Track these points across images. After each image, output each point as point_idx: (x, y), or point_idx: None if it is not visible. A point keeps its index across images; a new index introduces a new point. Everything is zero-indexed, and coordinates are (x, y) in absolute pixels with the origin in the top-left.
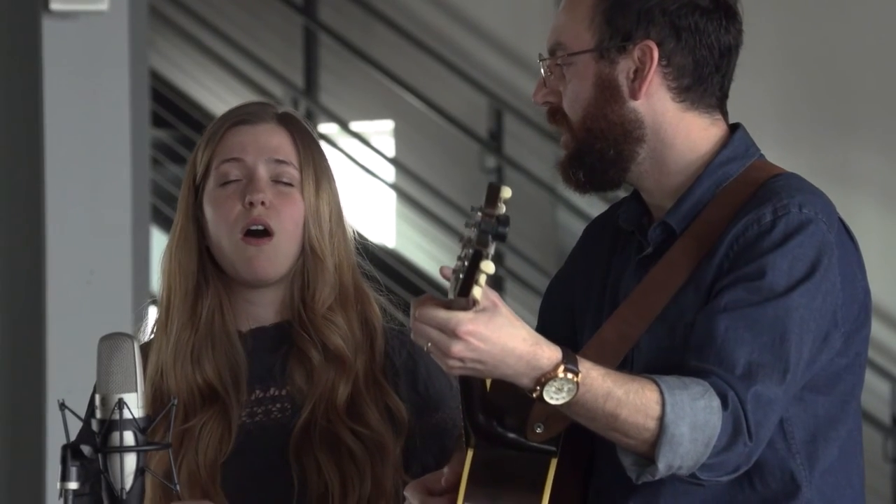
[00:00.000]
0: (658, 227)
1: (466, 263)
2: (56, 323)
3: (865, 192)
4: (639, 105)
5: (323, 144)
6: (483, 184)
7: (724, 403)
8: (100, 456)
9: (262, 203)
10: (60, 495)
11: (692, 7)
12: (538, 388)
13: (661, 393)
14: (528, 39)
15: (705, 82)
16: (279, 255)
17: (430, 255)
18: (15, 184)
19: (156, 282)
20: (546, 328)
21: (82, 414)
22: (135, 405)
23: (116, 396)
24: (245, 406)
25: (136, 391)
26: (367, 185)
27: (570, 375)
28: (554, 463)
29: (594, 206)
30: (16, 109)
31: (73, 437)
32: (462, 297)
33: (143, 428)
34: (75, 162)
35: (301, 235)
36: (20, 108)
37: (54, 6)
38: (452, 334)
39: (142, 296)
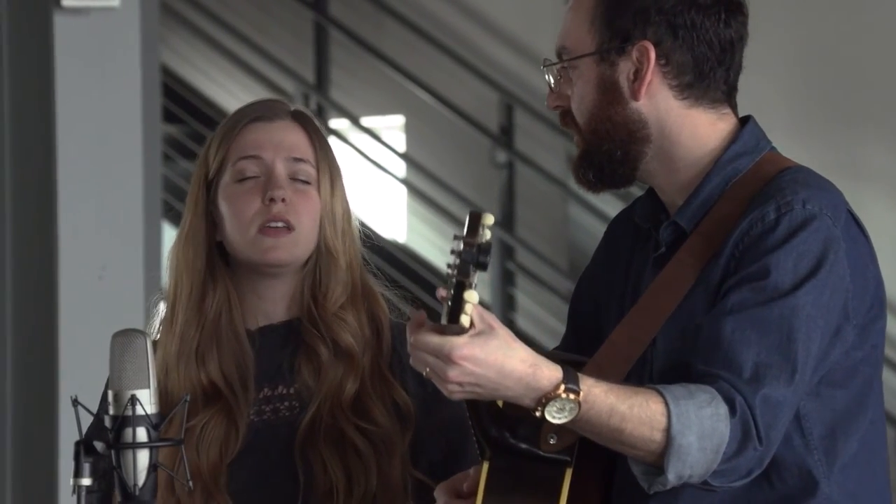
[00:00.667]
0: (668, 227)
1: (451, 292)
2: (68, 319)
3: (876, 186)
4: (641, 105)
5: (333, 140)
6: (494, 179)
7: (732, 409)
8: (112, 452)
9: (283, 200)
10: (73, 491)
11: (688, 4)
12: (540, 408)
13: (667, 404)
14: (539, 34)
15: (707, 78)
16: (297, 247)
17: (441, 249)
18: (27, 180)
19: (167, 277)
20: (577, 329)
21: (95, 410)
22: (147, 401)
23: (129, 393)
24: (253, 404)
25: (149, 387)
26: (378, 181)
27: (571, 395)
28: (569, 473)
29: (606, 201)
30: (27, 105)
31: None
32: (453, 325)
33: (156, 424)
34: (87, 157)
35: (317, 232)
36: (32, 103)
37: (66, 2)
38: (448, 360)
39: (154, 291)
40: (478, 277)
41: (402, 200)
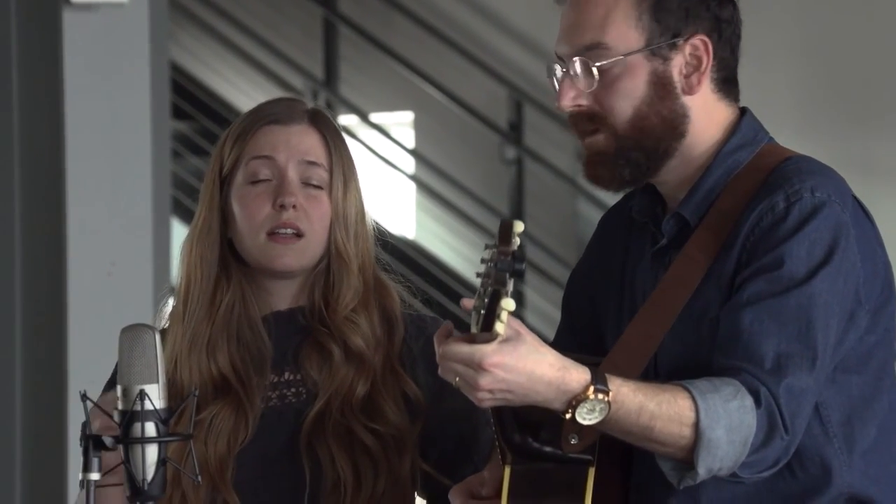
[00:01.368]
0: (671, 219)
1: (486, 300)
2: (77, 314)
3: (886, 181)
4: (689, 100)
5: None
6: (503, 175)
7: (757, 401)
8: (121, 447)
9: (294, 207)
10: (82, 486)
11: None
12: (570, 410)
13: (694, 399)
14: (548, 30)
15: (735, 72)
16: (306, 254)
17: (450, 246)
18: (36, 176)
19: (177, 273)
20: (572, 322)
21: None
22: (156, 396)
23: (138, 387)
24: (260, 391)
25: (158, 382)
26: (387, 177)
27: (600, 395)
28: (592, 471)
29: (614, 197)
30: (37, 102)
31: (94, 429)
32: (485, 332)
33: (165, 419)
34: (96, 154)
35: (327, 236)
36: (41, 100)
37: None
38: (479, 367)
39: (163, 287)
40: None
41: (412, 197)
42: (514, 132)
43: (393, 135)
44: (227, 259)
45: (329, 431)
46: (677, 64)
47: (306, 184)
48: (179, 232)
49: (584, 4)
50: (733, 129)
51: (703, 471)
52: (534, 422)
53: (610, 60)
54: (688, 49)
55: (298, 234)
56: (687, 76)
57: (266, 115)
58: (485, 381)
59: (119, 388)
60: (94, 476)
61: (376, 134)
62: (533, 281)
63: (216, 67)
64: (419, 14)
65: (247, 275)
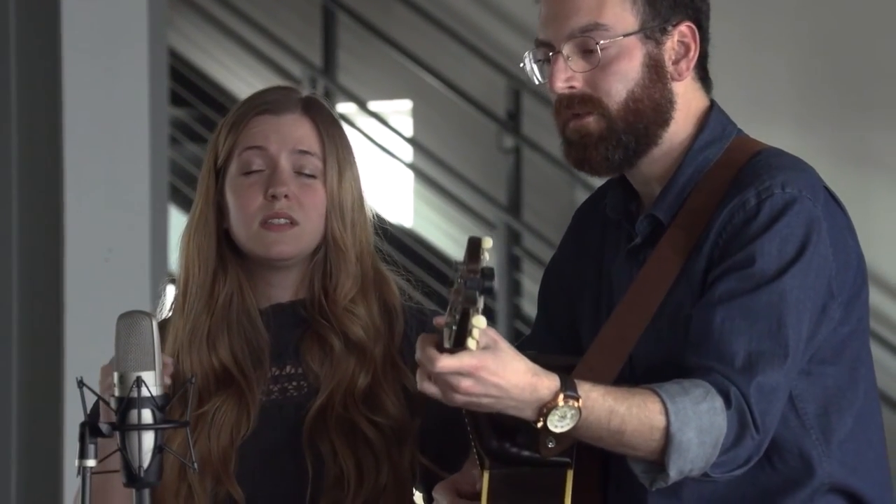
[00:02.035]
0: (645, 220)
1: (457, 317)
2: (74, 301)
3: (884, 170)
4: (676, 86)
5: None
6: (501, 164)
7: (727, 401)
8: (118, 434)
9: (286, 196)
10: (78, 473)
11: None
12: (542, 418)
13: (664, 403)
14: None
15: (707, 63)
16: (301, 241)
17: (448, 234)
18: (34, 162)
19: (174, 260)
20: (548, 318)
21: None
22: (153, 383)
23: (134, 374)
24: (261, 384)
25: (154, 369)
26: (385, 165)
27: (570, 402)
28: (570, 474)
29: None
30: (35, 89)
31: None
32: (458, 347)
33: (161, 406)
34: (94, 141)
35: (323, 224)
36: (40, 87)
37: None
38: (466, 373)
39: (160, 274)
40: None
41: (409, 185)
42: (512, 121)
43: (391, 123)
44: (224, 251)
45: (331, 425)
46: (668, 49)
47: (299, 173)
48: (177, 219)
49: None
50: (702, 125)
51: (674, 473)
52: (510, 427)
53: (608, 40)
54: (676, 35)
55: (292, 223)
56: (676, 62)
57: (258, 104)
58: (466, 383)
59: (116, 375)
60: (91, 463)
61: (374, 122)
62: (530, 270)
63: (215, 55)
64: (418, 2)
65: (244, 266)
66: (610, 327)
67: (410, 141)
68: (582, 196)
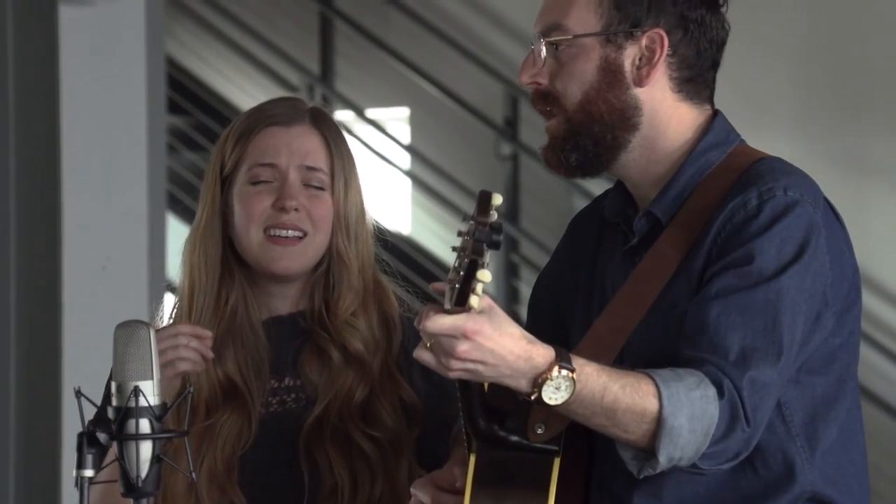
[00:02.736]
0: (643, 217)
1: (462, 273)
2: (72, 309)
3: (882, 175)
4: (640, 93)
5: None
6: (499, 171)
7: (720, 392)
8: (116, 443)
9: (296, 209)
10: (76, 483)
11: (699, 0)
12: (535, 389)
13: (657, 386)
14: None
15: (703, 75)
16: (306, 256)
17: (446, 241)
18: (31, 170)
19: (172, 269)
20: (537, 325)
21: (98, 401)
22: (150, 393)
23: (132, 384)
24: (260, 396)
25: (152, 379)
26: (383, 173)
27: (565, 373)
28: (557, 462)
29: None
30: (33, 96)
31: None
32: (459, 307)
33: (159, 415)
34: (92, 148)
35: (328, 235)
36: (37, 94)
37: None
38: (461, 335)
39: (157, 283)
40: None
41: (407, 192)
42: (509, 128)
43: (389, 130)
44: (229, 260)
45: (327, 437)
46: (631, 54)
47: (307, 185)
48: (175, 227)
49: None
50: (705, 130)
51: (663, 459)
52: (501, 409)
53: (562, 39)
54: (644, 41)
55: (300, 237)
56: (639, 68)
57: (267, 115)
58: (463, 347)
59: (114, 385)
60: (89, 473)
61: (372, 129)
62: (528, 277)
63: (212, 62)
64: (415, 10)
65: (248, 276)
66: (604, 319)
67: (408, 148)
68: (580, 203)
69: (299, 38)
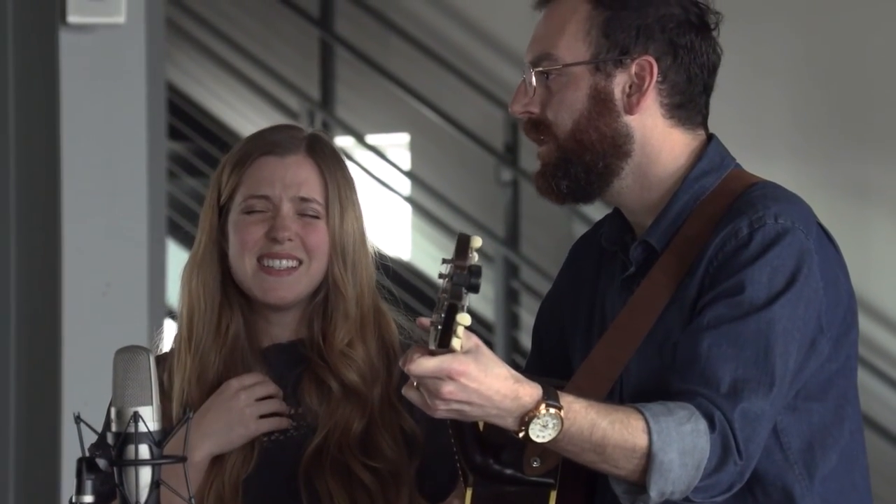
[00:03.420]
0: (639, 247)
1: (443, 316)
2: (72, 335)
3: (882, 204)
4: (631, 120)
5: None
6: (499, 197)
7: (711, 425)
8: (115, 469)
9: (290, 239)
10: None
11: (689, 25)
12: (523, 427)
13: (647, 421)
14: None
15: (695, 100)
16: (300, 285)
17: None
18: (32, 195)
19: (172, 295)
20: (541, 351)
21: (97, 427)
22: (150, 418)
23: (132, 409)
24: None
25: (152, 404)
26: (383, 198)
27: (553, 411)
28: (553, 495)
29: None
30: (33, 121)
31: (87, 451)
32: (442, 349)
33: (159, 441)
34: (92, 174)
35: (325, 263)
36: (38, 119)
37: (72, 19)
38: (445, 377)
39: (158, 309)
40: (469, 300)
41: (407, 218)
42: (510, 154)
43: (389, 156)
44: (228, 287)
45: (327, 467)
46: (620, 82)
47: (302, 214)
48: (175, 253)
49: (547, 17)
50: (699, 155)
51: (655, 493)
52: (496, 444)
53: (552, 68)
54: (634, 68)
55: (294, 266)
56: (629, 95)
57: (262, 144)
58: (448, 388)
59: (113, 410)
60: (88, 499)
61: (372, 155)
62: (528, 303)
63: (213, 88)
64: (415, 36)
65: (247, 304)
66: (600, 350)
67: (408, 174)
68: (580, 229)
69: (300, 64)
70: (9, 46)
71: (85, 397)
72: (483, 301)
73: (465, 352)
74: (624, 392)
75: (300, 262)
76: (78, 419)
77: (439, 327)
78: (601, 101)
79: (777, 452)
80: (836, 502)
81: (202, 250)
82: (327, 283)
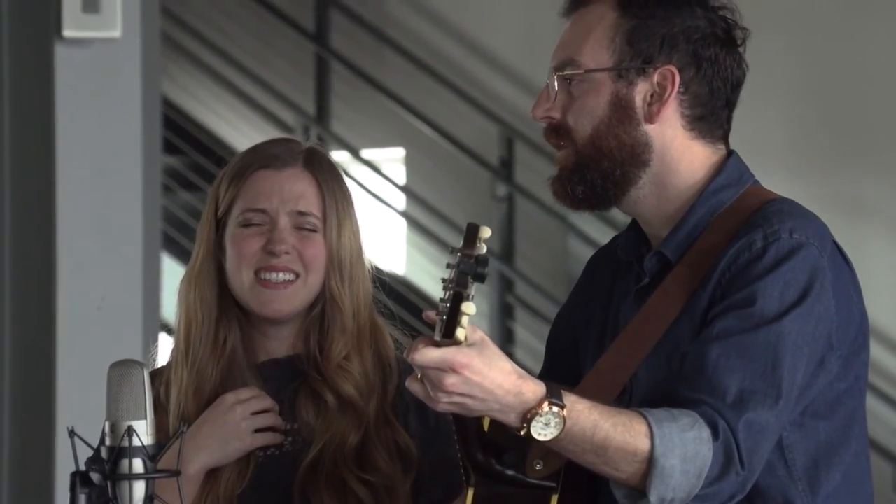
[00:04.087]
0: (653, 257)
1: (448, 305)
2: (66, 349)
3: (877, 220)
4: (651, 129)
5: None
6: (494, 212)
7: (715, 433)
8: (109, 483)
9: (287, 252)
10: None
11: (714, 38)
12: (525, 424)
13: (650, 426)
14: (540, 67)
15: (716, 114)
16: (297, 298)
17: (441, 282)
18: (26, 210)
19: (167, 309)
20: (553, 363)
21: (91, 441)
22: (144, 432)
23: (126, 424)
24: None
25: (146, 418)
26: (378, 213)
27: (555, 409)
28: (555, 499)
29: (605, 234)
30: (28, 135)
31: (81, 465)
32: (447, 339)
33: (153, 455)
34: (87, 188)
35: (322, 276)
36: (33, 134)
37: (67, 33)
38: (448, 369)
39: (152, 323)
40: (475, 289)
41: (402, 233)
42: (505, 169)
43: (384, 171)
44: (225, 301)
45: (322, 481)
46: (642, 90)
47: (299, 228)
48: (170, 268)
49: (574, 23)
50: (718, 169)
51: (654, 499)
52: (499, 444)
53: (574, 74)
54: (656, 77)
55: (291, 280)
56: (650, 104)
57: (260, 157)
58: (451, 380)
59: (107, 424)
60: None
61: (367, 170)
62: (523, 318)
63: (208, 103)
64: (411, 51)
65: (245, 318)
66: (608, 357)
67: (403, 189)
68: (575, 244)
69: (295, 79)
70: (4, 60)
71: (79, 411)
72: (478, 316)
73: (470, 344)
74: (633, 400)
75: (297, 276)
76: (72, 433)
77: (444, 317)
78: (622, 109)
79: (781, 468)
80: None
81: (199, 263)
82: (324, 296)
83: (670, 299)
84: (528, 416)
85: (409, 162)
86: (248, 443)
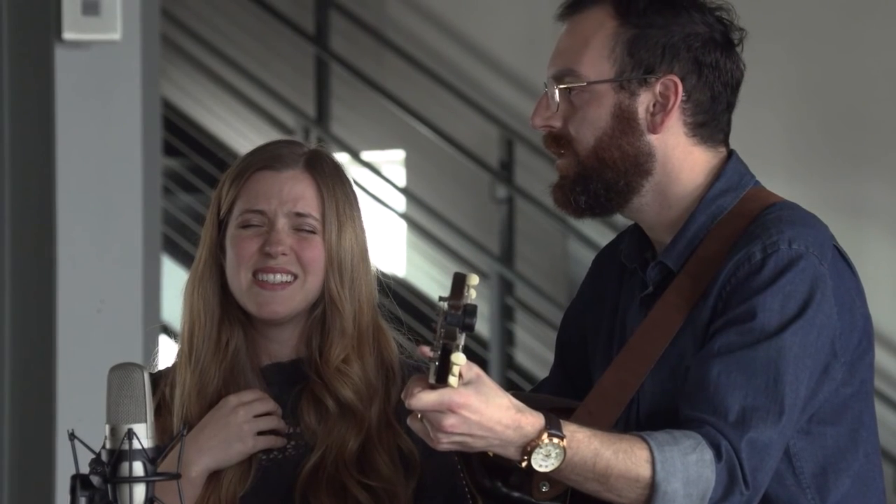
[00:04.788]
0: (655, 267)
1: (439, 353)
2: (66, 352)
3: (877, 224)
4: (654, 139)
5: None
6: (494, 214)
7: (718, 454)
8: (109, 486)
9: (284, 254)
10: None
11: (714, 43)
12: (525, 457)
13: (651, 451)
14: (540, 70)
15: (718, 119)
16: (294, 300)
17: (441, 284)
18: (26, 212)
19: (167, 312)
20: (564, 362)
21: (91, 443)
22: (144, 435)
23: (126, 426)
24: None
25: (146, 421)
26: (378, 215)
27: (555, 440)
28: None
29: (605, 236)
30: (28, 138)
31: (82, 468)
32: (440, 384)
33: (153, 458)
34: (87, 190)
35: (321, 278)
36: (33, 136)
37: (67, 35)
38: (447, 409)
39: (152, 325)
40: (464, 338)
41: (402, 235)
42: (505, 171)
43: (384, 173)
44: (228, 303)
45: (323, 486)
46: (645, 101)
47: (298, 229)
48: (170, 270)
49: (570, 31)
50: (717, 174)
51: None
52: (504, 467)
53: (575, 85)
54: (658, 87)
55: (289, 281)
56: (653, 114)
57: (261, 159)
58: (449, 421)
59: (107, 427)
60: None
61: (367, 172)
62: (523, 320)
63: (208, 105)
64: (411, 53)
65: (247, 320)
66: (611, 374)
67: (403, 191)
68: (575, 246)
69: (295, 81)
70: (4, 62)
71: (79, 414)
72: (478, 318)
73: (466, 383)
74: (640, 414)
75: (295, 277)
76: (72, 436)
77: (436, 363)
78: (624, 120)
79: (789, 477)
80: None
81: (202, 265)
82: (325, 298)
83: (672, 312)
84: (528, 448)
85: (409, 164)
86: (251, 445)
